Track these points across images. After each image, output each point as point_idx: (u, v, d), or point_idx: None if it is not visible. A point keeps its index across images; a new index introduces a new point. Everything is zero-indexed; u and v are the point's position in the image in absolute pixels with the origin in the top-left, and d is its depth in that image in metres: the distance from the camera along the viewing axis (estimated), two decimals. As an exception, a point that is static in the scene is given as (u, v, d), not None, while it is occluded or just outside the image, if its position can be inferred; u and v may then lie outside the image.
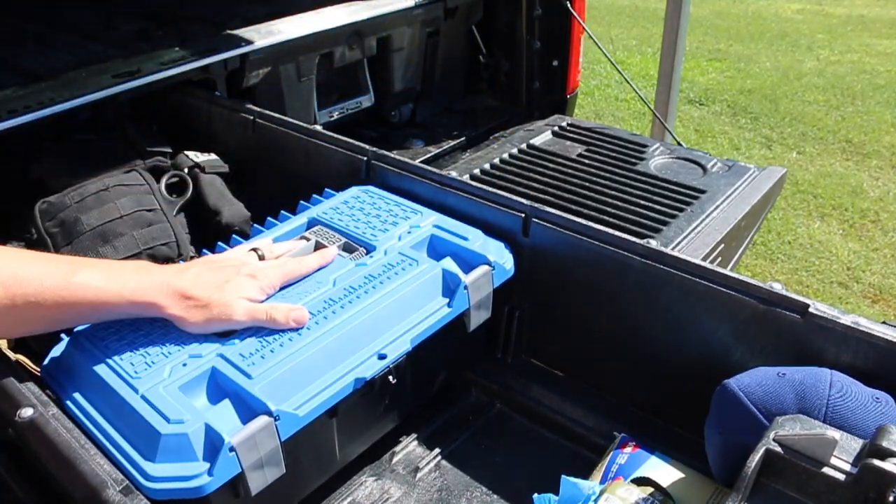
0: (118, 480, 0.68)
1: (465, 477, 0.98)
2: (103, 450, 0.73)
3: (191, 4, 1.95)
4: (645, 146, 1.83)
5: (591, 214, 1.53)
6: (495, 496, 0.95)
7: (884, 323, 0.81)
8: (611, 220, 1.51)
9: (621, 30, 5.78)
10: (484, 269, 0.97)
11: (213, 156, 1.37)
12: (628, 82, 2.13)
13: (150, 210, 1.20)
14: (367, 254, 0.99)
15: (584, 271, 1.00)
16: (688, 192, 1.61)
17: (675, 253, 0.93)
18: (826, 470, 0.67)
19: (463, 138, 2.06)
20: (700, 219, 1.51)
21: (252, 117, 1.37)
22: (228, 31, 1.59)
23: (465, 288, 0.95)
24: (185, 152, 1.37)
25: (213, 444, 0.72)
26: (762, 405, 0.77)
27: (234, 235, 1.06)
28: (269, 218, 1.09)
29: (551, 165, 1.77)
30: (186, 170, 1.33)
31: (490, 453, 1.02)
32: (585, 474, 0.88)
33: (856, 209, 3.10)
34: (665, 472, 0.86)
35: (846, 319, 0.82)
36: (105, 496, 0.67)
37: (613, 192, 1.63)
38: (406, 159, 1.17)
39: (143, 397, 0.75)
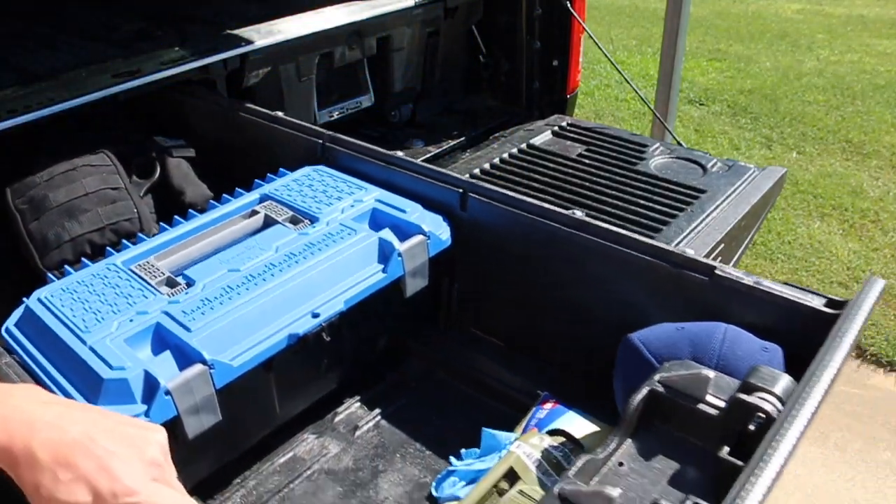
0: None
1: (402, 435, 1.05)
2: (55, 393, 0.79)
3: (191, 4, 1.95)
4: (645, 146, 1.82)
5: (591, 214, 1.52)
6: (427, 452, 1.02)
7: (784, 283, 0.87)
8: (611, 219, 1.51)
9: (621, 30, 5.78)
10: (418, 238, 1.04)
11: (181, 141, 1.47)
12: (628, 82, 2.12)
13: (114, 188, 1.30)
14: (310, 225, 1.06)
15: (518, 242, 1.07)
16: (688, 191, 1.61)
17: (597, 223, 0.99)
18: (701, 406, 0.72)
19: (463, 138, 2.06)
20: (700, 218, 1.51)
21: (222, 106, 1.44)
22: (228, 31, 1.59)
23: (400, 255, 1.02)
24: (155, 137, 1.45)
25: (151, 389, 0.79)
26: (659, 355, 0.84)
27: (189, 209, 1.15)
28: (224, 195, 1.17)
29: (551, 165, 1.77)
30: (155, 154, 1.42)
31: (427, 415, 1.09)
32: (510, 430, 0.96)
33: (856, 209, 3.09)
34: (579, 425, 0.92)
35: (749, 280, 0.87)
36: None
37: (613, 192, 1.62)
38: (358, 142, 1.25)
39: (90, 348, 0.83)
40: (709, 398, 0.73)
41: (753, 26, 5.73)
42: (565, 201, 1.60)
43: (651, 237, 1.24)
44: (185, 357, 0.84)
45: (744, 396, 0.69)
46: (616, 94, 4.45)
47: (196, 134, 1.50)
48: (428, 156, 1.96)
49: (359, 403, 1.11)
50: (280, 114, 1.38)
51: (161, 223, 1.13)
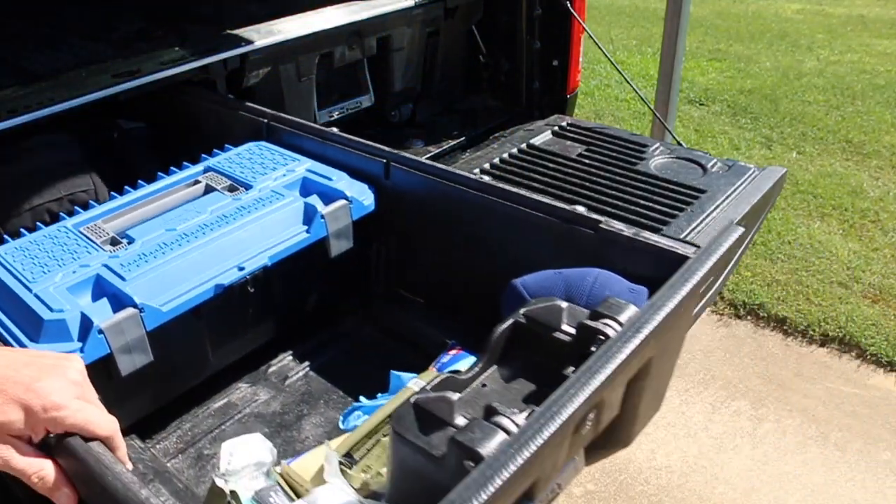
0: None
1: (327, 384, 1.18)
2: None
3: (191, 4, 1.95)
4: (645, 146, 1.82)
5: (590, 214, 1.53)
6: (349, 399, 1.14)
7: (663, 235, 0.95)
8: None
9: (621, 30, 5.78)
10: (341, 202, 1.15)
11: (140, 124, 1.57)
12: (628, 82, 2.12)
13: (71, 163, 1.42)
14: (245, 192, 1.16)
15: (434, 207, 1.18)
16: (688, 191, 1.61)
17: (498, 185, 1.09)
18: (556, 333, 0.80)
19: (463, 138, 2.06)
20: (700, 218, 1.51)
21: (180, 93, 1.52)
22: (228, 31, 1.59)
23: (323, 218, 1.13)
24: (117, 120, 1.56)
25: (86, 329, 0.89)
26: (536, 296, 0.92)
27: (138, 180, 1.24)
28: (171, 167, 1.27)
29: (551, 165, 1.77)
30: (116, 134, 1.53)
31: (354, 367, 1.21)
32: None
33: (856, 209, 3.09)
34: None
35: (628, 232, 0.98)
36: None
37: (613, 192, 1.62)
38: (298, 119, 1.36)
39: (35, 295, 0.93)
40: (564, 327, 0.80)
41: (753, 26, 5.73)
42: (565, 201, 1.59)
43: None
44: (120, 302, 0.94)
45: (590, 322, 0.77)
46: (616, 94, 4.45)
47: (156, 117, 1.61)
48: (428, 156, 1.96)
49: (291, 357, 1.23)
50: (230, 97, 1.52)
51: (112, 192, 1.24)
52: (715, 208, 1.54)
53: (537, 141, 1.90)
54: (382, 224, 1.24)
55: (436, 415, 0.69)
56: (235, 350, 1.16)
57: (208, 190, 1.20)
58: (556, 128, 1.96)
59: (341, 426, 1.05)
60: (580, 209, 1.02)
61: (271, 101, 1.65)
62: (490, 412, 0.67)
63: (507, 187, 1.08)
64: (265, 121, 1.37)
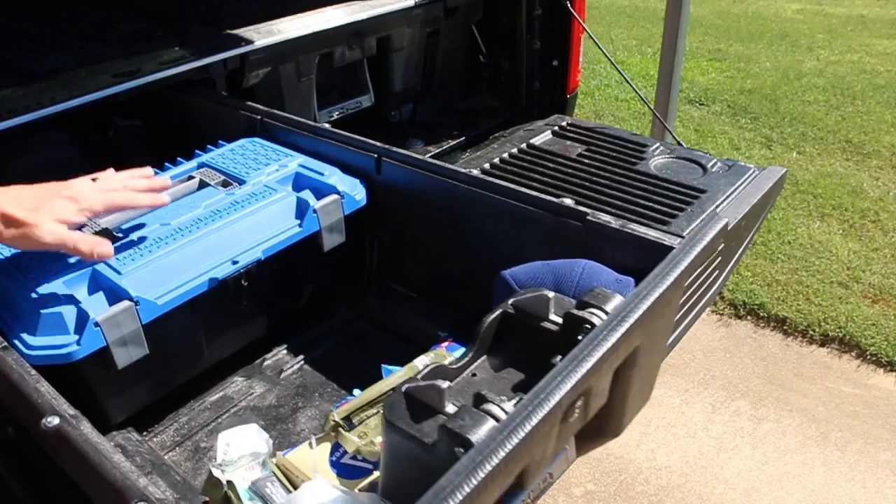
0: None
1: (322, 377, 1.19)
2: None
3: (191, 4, 1.95)
4: (645, 146, 1.82)
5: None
6: (343, 391, 1.15)
7: (651, 228, 0.97)
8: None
9: (621, 30, 5.78)
10: (333, 197, 1.16)
11: (136, 121, 1.59)
12: (628, 82, 2.12)
13: (70, 159, 1.43)
14: (238, 187, 1.17)
15: (425, 201, 1.19)
16: (688, 191, 1.61)
17: (488, 178, 1.10)
18: (544, 323, 0.81)
19: (463, 138, 2.06)
20: (700, 218, 1.51)
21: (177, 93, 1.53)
22: (228, 31, 1.59)
23: (315, 212, 1.14)
24: (113, 117, 1.58)
25: (83, 321, 0.90)
26: (526, 287, 0.94)
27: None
28: (166, 163, 1.28)
29: (551, 165, 1.77)
30: (112, 131, 1.55)
31: (347, 359, 1.22)
32: None
33: (856, 209, 3.09)
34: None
35: (615, 223, 0.99)
36: None
37: (613, 192, 1.62)
38: (290, 116, 1.37)
39: (31, 288, 0.94)
40: (551, 316, 0.81)
41: (753, 26, 5.73)
42: (565, 201, 1.60)
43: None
44: (115, 296, 0.94)
45: (577, 311, 0.78)
46: (616, 94, 4.45)
47: (155, 116, 1.62)
48: (428, 155, 1.96)
49: (286, 350, 1.24)
50: (223, 93, 1.54)
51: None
52: (715, 208, 1.54)
53: (537, 141, 1.90)
54: (374, 218, 1.26)
55: (426, 403, 0.70)
56: (230, 343, 1.17)
57: (202, 185, 1.21)
58: (556, 128, 1.96)
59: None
60: (568, 201, 1.04)
61: (271, 101, 1.65)
62: (479, 400, 0.68)
63: (495, 181, 1.09)
64: (259, 117, 1.39)
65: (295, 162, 1.24)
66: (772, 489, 1.93)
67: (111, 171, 1.04)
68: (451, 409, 0.70)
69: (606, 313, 0.78)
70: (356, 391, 1.07)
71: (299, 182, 1.21)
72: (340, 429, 0.93)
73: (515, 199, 1.07)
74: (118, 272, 0.97)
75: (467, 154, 2.00)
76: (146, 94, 1.47)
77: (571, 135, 1.93)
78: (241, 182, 1.19)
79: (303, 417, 1.12)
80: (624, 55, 5.10)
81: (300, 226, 1.13)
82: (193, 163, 1.28)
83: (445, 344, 1.09)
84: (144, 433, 1.09)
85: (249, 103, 1.44)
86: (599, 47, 2.05)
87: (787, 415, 2.16)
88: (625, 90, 4.41)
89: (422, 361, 1.02)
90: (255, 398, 1.15)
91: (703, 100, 4.30)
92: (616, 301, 0.80)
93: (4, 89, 1.32)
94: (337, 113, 1.90)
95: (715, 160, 1.73)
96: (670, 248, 0.92)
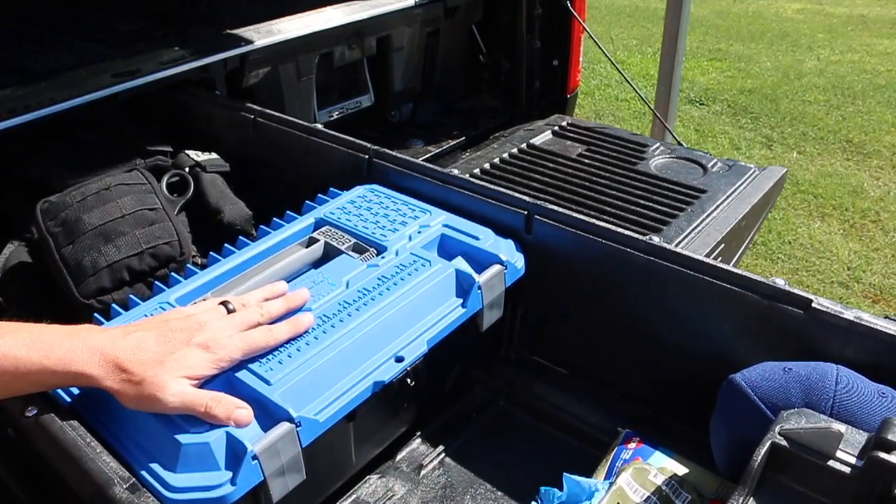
0: (125, 478, 0.67)
1: (469, 474, 0.98)
2: (125, 461, 0.72)
3: (191, 4, 1.95)
4: (645, 146, 1.82)
5: (591, 214, 1.52)
6: (499, 493, 0.95)
7: (886, 318, 0.81)
8: (611, 219, 1.51)
9: (621, 30, 5.78)
10: (497, 268, 0.97)
11: (213, 155, 1.37)
12: (628, 82, 2.12)
13: (151, 209, 1.19)
14: (377, 255, 0.97)
15: (587, 268, 1.00)
16: (688, 191, 1.61)
17: (677, 249, 0.93)
18: (832, 463, 0.67)
19: (463, 138, 2.06)
20: (700, 218, 1.51)
21: (252, 116, 1.37)
22: (228, 31, 1.59)
23: (479, 288, 0.94)
24: (186, 151, 1.36)
25: (235, 453, 0.71)
26: (768, 400, 0.77)
27: (239, 237, 1.05)
28: (275, 219, 1.07)
29: (551, 165, 1.77)
30: (187, 169, 1.32)
31: (493, 451, 1.02)
32: (589, 470, 0.88)
33: (856, 209, 3.09)
34: (671, 467, 0.86)
35: (849, 315, 0.82)
36: (112, 494, 0.66)
37: (614, 192, 1.62)
38: (407, 157, 1.16)
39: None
40: (839, 454, 0.68)
41: (754, 26, 5.73)
42: (565, 201, 1.59)
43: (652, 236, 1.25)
44: (268, 413, 0.75)
45: (883, 455, 0.64)
46: (616, 94, 4.45)
47: (220, 146, 1.43)
48: (428, 156, 1.96)
49: (420, 440, 1.03)
50: (319, 126, 1.32)
51: (211, 252, 1.02)
52: (715, 208, 1.55)
53: (537, 141, 1.90)
54: (522, 285, 1.05)
55: None
56: (377, 445, 0.98)
57: (330, 251, 1.00)
58: (556, 128, 1.96)
59: None
60: (780, 282, 0.87)
61: (271, 101, 1.65)
62: None
63: (687, 253, 0.91)
64: (366, 157, 1.19)
65: (437, 220, 1.03)
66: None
67: (245, 295, 0.85)
68: None
69: None
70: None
71: (446, 247, 1.01)
72: None
73: (713, 277, 0.89)
74: (267, 382, 0.76)
75: (467, 154, 2.00)
76: (146, 93, 1.45)
77: (571, 135, 1.93)
78: (380, 248, 0.98)
79: None
80: (624, 55, 5.10)
81: (463, 305, 0.93)
82: (309, 218, 1.05)
83: (633, 446, 0.89)
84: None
85: (352, 139, 1.25)
86: (599, 47, 2.05)
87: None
88: (625, 90, 4.41)
89: (628, 484, 0.82)
90: (396, 502, 0.95)
91: (703, 99, 4.30)
92: None
93: (4, 89, 1.31)
94: (337, 113, 1.90)
95: (715, 160, 1.73)
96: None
